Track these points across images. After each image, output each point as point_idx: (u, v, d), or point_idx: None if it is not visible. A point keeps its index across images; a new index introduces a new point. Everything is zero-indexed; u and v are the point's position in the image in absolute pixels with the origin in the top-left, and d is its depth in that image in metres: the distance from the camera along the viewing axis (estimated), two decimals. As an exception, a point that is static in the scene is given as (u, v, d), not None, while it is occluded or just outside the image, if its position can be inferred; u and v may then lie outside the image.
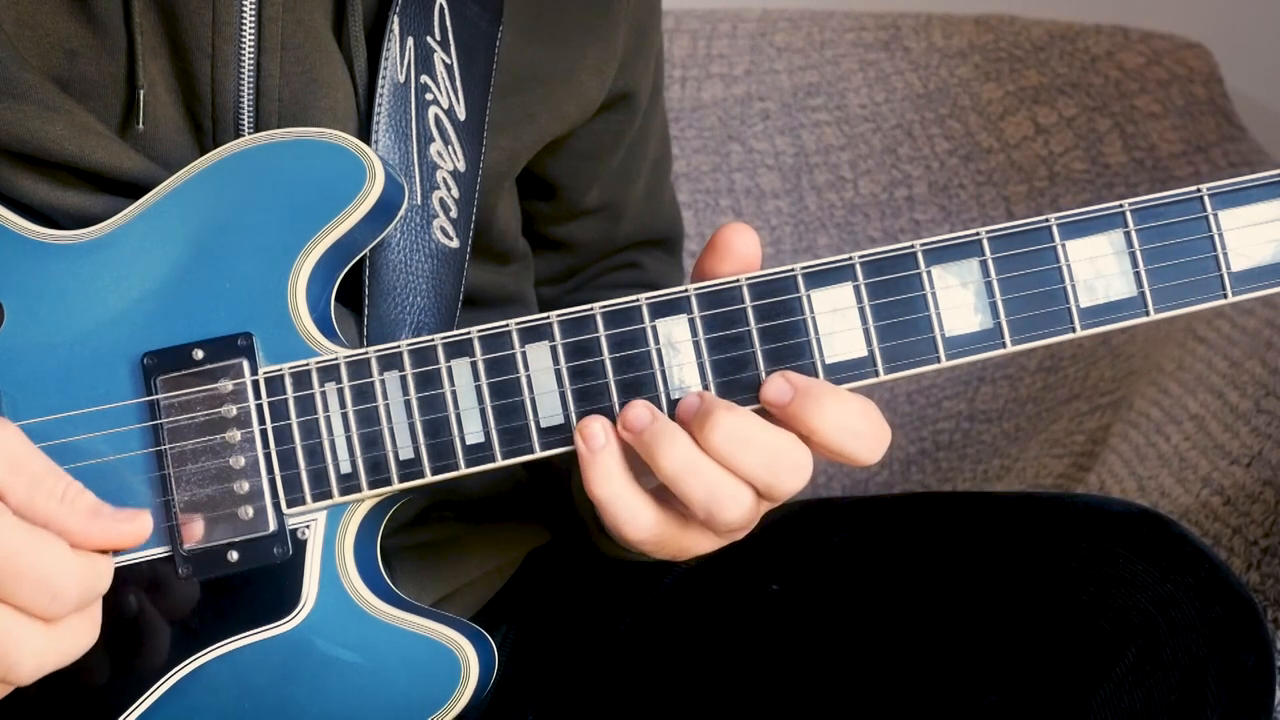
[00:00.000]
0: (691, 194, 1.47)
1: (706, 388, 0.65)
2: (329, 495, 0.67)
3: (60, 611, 0.58)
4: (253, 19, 0.72)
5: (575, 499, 0.81)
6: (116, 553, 0.64)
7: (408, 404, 0.66)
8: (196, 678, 0.67)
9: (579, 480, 0.81)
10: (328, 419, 0.67)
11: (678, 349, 0.66)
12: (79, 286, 0.69)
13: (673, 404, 0.65)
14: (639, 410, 0.63)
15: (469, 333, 0.66)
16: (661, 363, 0.65)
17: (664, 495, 0.64)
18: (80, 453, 0.67)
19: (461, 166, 0.77)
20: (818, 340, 0.65)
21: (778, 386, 0.63)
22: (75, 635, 0.60)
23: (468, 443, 0.66)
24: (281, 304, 0.68)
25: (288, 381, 0.67)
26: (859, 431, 0.62)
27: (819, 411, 0.62)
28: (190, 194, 0.70)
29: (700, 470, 0.62)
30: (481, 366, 0.66)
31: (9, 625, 0.58)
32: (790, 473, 0.62)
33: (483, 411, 0.66)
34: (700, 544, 0.66)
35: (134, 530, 0.62)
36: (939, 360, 0.65)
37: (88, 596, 0.60)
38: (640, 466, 0.64)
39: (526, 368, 0.66)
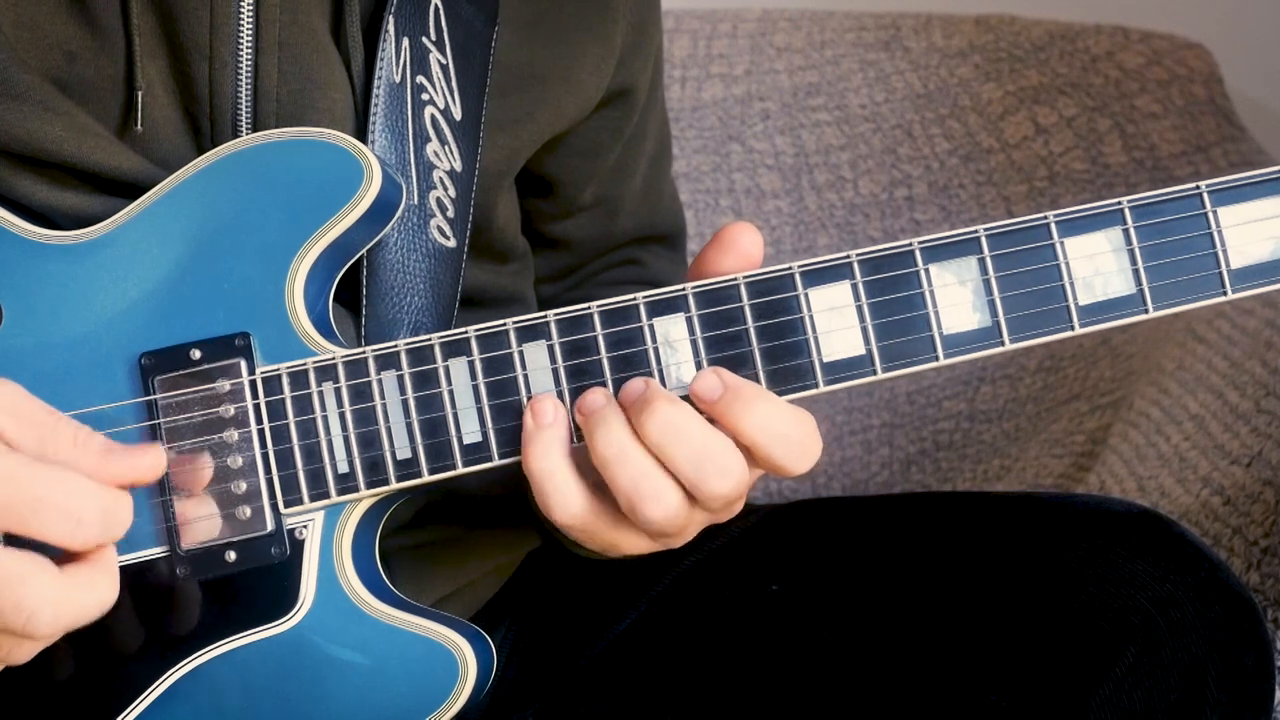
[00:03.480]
0: (691, 194, 1.47)
1: (704, 387, 0.65)
2: (326, 495, 0.67)
3: (85, 538, 0.57)
4: (250, 20, 0.72)
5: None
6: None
7: (405, 404, 0.66)
8: (195, 678, 0.67)
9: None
10: (325, 419, 0.67)
11: (675, 347, 0.66)
12: (77, 287, 0.69)
13: None
14: (594, 395, 0.64)
15: (466, 332, 0.66)
16: (659, 361, 0.65)
17: (600, 487, 0.64)
18: (78, 453, 0.67)
19: (458, 166, 0.77)
20: (815, 339, 0.65)
21: (708, 382, 0.63)
22: (93, 586, 0.59)
23: (465, 442, 0.66)
24: (279, 304, 0.68)
25: (285, 381, 0.67)
26: (787, 436, 0.62)
27: (747, 411, 0.62)
28: (188, 194, 0.70)
29: (629, 459, 0.62)
30: (479, 366, 0.66)
31: (24, 571, 0.56)
32: (718, 475, 0.62)
33: (480, 411, 0.66)
34: (631, 542, 0.66)
35: (149, 464, 0.61)
36: (937, 358, 0.65)
37: (110, 527, 0.58)
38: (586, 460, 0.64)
39: (524, 367, 0.66)
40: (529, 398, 0.66)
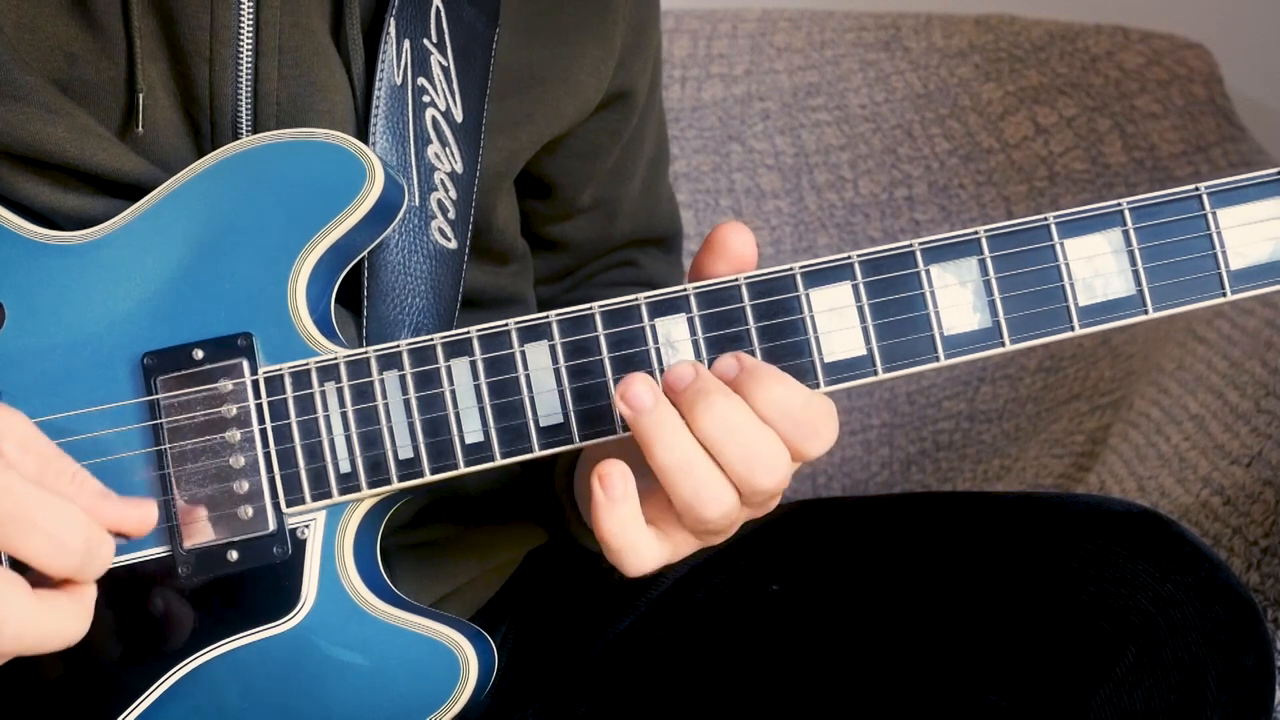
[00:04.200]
0: (691, 194, 1.47)
1: (705, 387, 0.65)
2: (328, 495, 0.67)
3: (65, 564, 0.57)
4: (250, 23, 0.72)
5: (555, 485, 0.81)
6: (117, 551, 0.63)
7: (407, 403, 0.66)
8: (196, 677, 0.67)
9: (561, 467, 0.81)
10: (327, 418, 0.67)
11: (676, 348, 0.66)
12: (80, 287, 0.69)
13: None
14: (641, 389, 0.61)
15: (468, 332, 0.66)
16: (660, 362, 0.66)
17: (654, 516, 0.64)
18: (81, 452, 0.67)
19: (459, 168, 0.77)
20: (816, 339, 0.65)
21: (727, 363, 0.63)
22: (64, 615, 0.58)
23: (467, 442, 0.66)
24: (281, 304, 0.68)
25: (287, 381, 0.67)
26: (798, 418, 0.62)
27: (760, 389, 0.62)
28: (191, 194, 0.70)
29: (694, 469, 0.61)
30: (480, 366, 0.66)
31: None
32: (765, 472, 0.61)
33: (482, 411, 0.66)
34: (682, 554, 0.66)
35: (141, 516, 0.61)
36: (938, 359, 0.65)
37: (90, 562, 0.58)
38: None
39: (525, 367, 0.66)
40: (531, 397, 0.66)
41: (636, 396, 0.61)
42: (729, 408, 0.61)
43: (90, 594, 0.60)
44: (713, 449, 0.61)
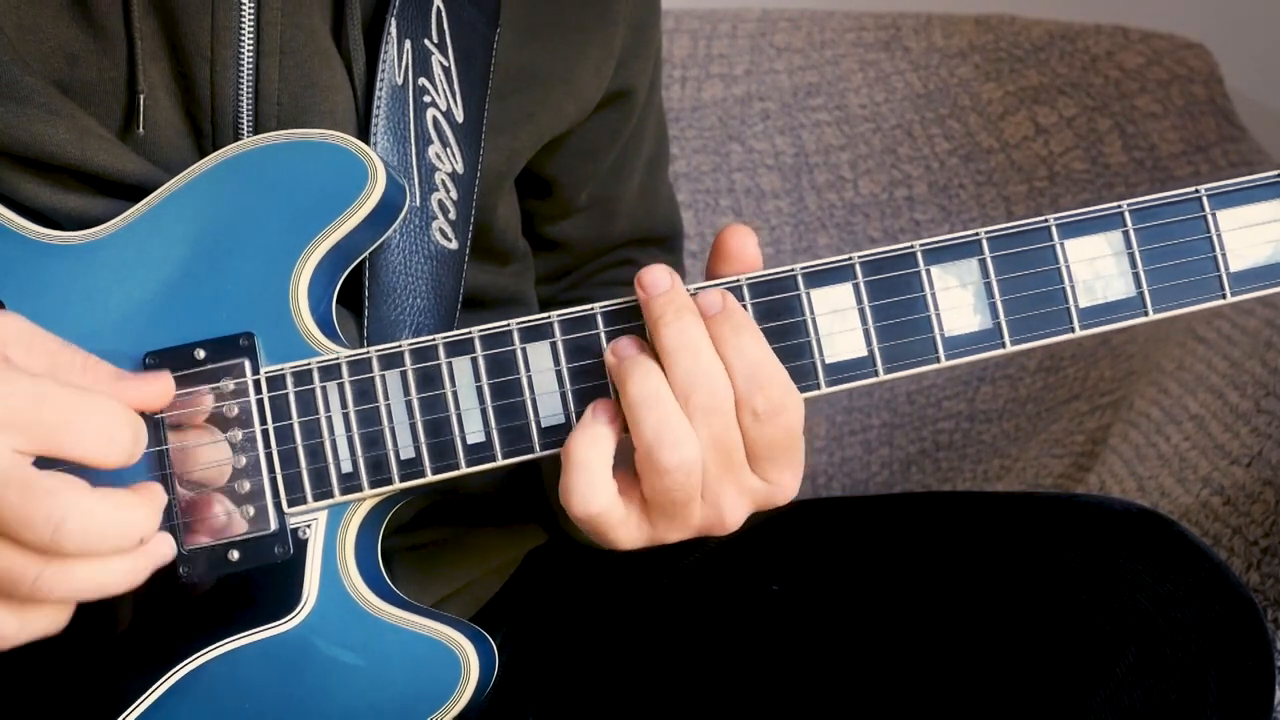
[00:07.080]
0: (691, 194, 1.47)
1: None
2: (330, 495, 0.67)
3: (117, 457, 0.58)
4: (251, 23, 0.72)
5: (544, 480, 0.81)
6: None
7: (409, 403, 0.67)
8: (197, 677, 0.67)
9: (548, 469, 0.81)
10: (329, 418, 0.67)
11: (678, 349, 0.65)
12: (81, 287, 0.69)
13: None
14: (627, 340, 0.65)
15: (470, 332, 0.66)
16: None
17: (624, 488, 0.65)
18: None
19: (460, 168, 0.77)
20: (818, 340, 0.65)
21: (712, 297, 0.64)
22: (127, 506, 0.58)
23: (469, 442, 0.66)
24: (283, 304, 0.68)
25: (289, 380, 0.67)
26: (754, 371, 0.63)
27: (733, 335, 0.63)
28: (193, 195, 0.70)
29: (661, 402, 0.63)
30: (482, 365, 0.66)
31: (55, 484, 0.56)
32: (706, 395, 0.63)
33: (484, 411, 0.66)
34: (629, 538, 0.66)
35: (158, 390, 0.63)
36: (938, 360, 0.66)
37: (136, 448, 0.59)
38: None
39: (527, 367, 0.66)
40: (533, 398, 0.66)
41: (624, 346, 0.64)
42: (697, 329, 0.63)
43: (158, 490, 0.61)
44: (666, 359, 0.63)
